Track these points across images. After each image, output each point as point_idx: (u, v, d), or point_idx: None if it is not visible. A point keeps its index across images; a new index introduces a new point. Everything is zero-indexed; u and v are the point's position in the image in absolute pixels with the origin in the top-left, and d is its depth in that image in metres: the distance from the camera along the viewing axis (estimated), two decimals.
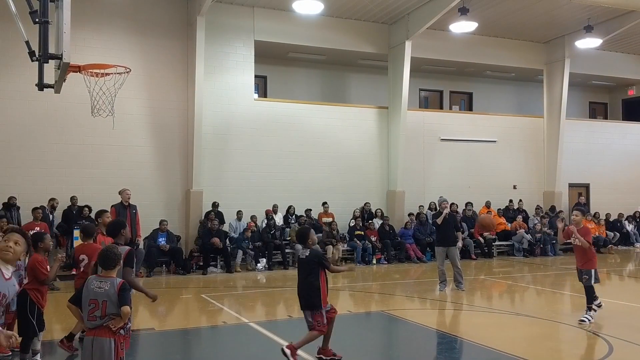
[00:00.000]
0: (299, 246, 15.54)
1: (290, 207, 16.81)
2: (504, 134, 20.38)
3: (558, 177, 20.53)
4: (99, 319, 4.56)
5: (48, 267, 6.45)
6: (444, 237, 11.80)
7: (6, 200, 13.60)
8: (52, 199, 14.20)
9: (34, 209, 13.15)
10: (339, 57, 18.86)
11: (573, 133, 21.14)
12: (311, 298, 6.47)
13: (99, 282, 4.66)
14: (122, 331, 4.64)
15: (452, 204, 16.47)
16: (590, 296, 8.62)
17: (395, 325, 9.22)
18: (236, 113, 16.57)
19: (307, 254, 6.54)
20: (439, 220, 11.83)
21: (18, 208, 13.71)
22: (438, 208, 12.39)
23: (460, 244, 12.06)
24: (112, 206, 13.05)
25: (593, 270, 8.57)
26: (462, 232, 12.23)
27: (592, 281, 8.56)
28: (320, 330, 6.50)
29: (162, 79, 15.85)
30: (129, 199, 13.21)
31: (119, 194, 13.05)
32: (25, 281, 6.44)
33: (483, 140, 20.00)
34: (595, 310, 8.60)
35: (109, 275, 4.72)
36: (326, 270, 6.57)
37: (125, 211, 13.07)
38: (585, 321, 8.46)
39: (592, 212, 20.49)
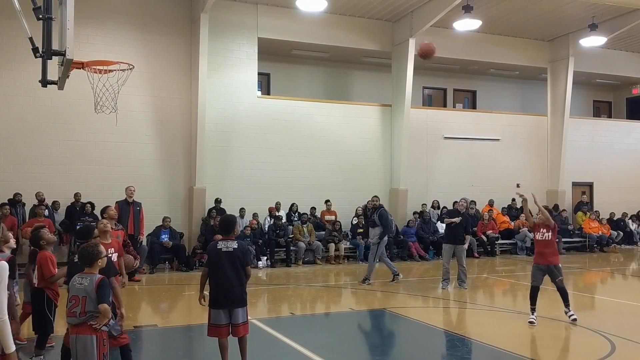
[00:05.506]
0: (301, 244, 15.73)
1: (293, 204, 16.82)
2: (508, 132, 20.34)
3: (561, 176, 20.49)
4: (78, 316, 4.63)
5: (55, 267, 6.47)
6: (453, 235, 11.80)
7: (11, 197, 13.61)
8: (38, 193, 13.71)
9: (37, 206, 13.16)
10: (343, 54, 18.84)
11: (577, 131, 21.10)
12: (243, 293, 6.03)
13: (81, 278, 4.76)
14: (104, 327, 4.71)
15: (472, 201, 16.60)
16: (567, 295, 8.61)
17: (397, 323, 9.22)
18: (239, 110, 16.57)
19: (235, 247, 5.97)
20: (447, 222, 11.90)
21: (23, 204, 13.73)
22: (455, 206, 12.44)
23: (466, 245, 12.11)
24: (116, 202, 13.09)
25: (560, 266, 8.59)
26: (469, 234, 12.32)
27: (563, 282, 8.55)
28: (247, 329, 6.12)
29: (165, 75, 15.85)
30: (132, 195, 13.23)
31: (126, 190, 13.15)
32: (36, 280, 6.51)
33: (486, 138, 19.97)
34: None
35: (90, 272, 4.80)
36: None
37: (128, 208, 13.10)
38: (575, 317, 8.54)
39: (595, 210, 20.45)
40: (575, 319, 8.53)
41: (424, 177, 19.04)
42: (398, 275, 12.57)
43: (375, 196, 13.02)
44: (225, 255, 5.92)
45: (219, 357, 6.31)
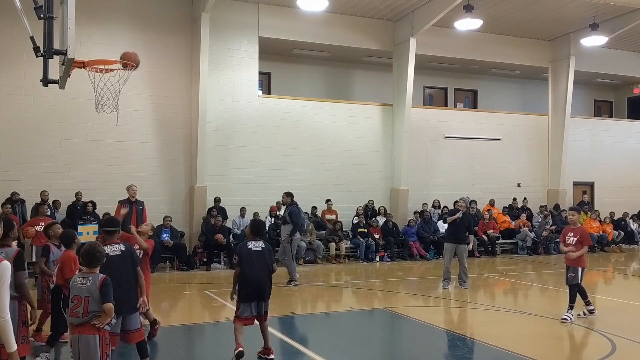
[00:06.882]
0: (302, 244, 15.69)
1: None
2: (509, 132, 20.33)
3: (562, 175, 20.48)
4: (81, 316, 4.60)
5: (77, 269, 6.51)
6: (455, 234, 11.79)
7: (9, 196, 13.60)
8: (43, 192, 13.75)
9: (39, 205, 13.15)
10: (344, 54, 18.84)
11: (578, 131, 21.10)
12: (269, 288, 6.80)
13: (82, 278, 4.72)
14: (107, 327, 4.69)
15: (472, 201, 16.59)
16: (574, 296, 8.68)
17: (398, 323, 9.22)
18: (240, 110, 16.58)
19: (263, 246, 6.70)
20: (449, 220, 11.87)
21: (22, 202, 13.73)
22: (456, 206, 12.40)
23: (471, 246, 12.08)
24: (118, 202, 13.07)
25: (581, 269, 8.64)
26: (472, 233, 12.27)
27: (578, 279, 8.61)
28: None
29: (166, 75, 15.86)
30: (134, 194, 13.22)
31: (127, 189, 13.09)
32: (54, 278, 6.56)
33: (487, 137, 19.96)
34: (588, 312, 8.71)
35: (91, 271, 4.76)
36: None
37: (131, 207, 13.07)
38: (567, 320, 8.55)
39: (596, 210, 20.43)
40: (564, 319, 8.57)
41: (424, 176, 19.03)
42: (295, 281, 12.10)
43: (286, 192, 12.55)
44: (255, 253, 6.59)
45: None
